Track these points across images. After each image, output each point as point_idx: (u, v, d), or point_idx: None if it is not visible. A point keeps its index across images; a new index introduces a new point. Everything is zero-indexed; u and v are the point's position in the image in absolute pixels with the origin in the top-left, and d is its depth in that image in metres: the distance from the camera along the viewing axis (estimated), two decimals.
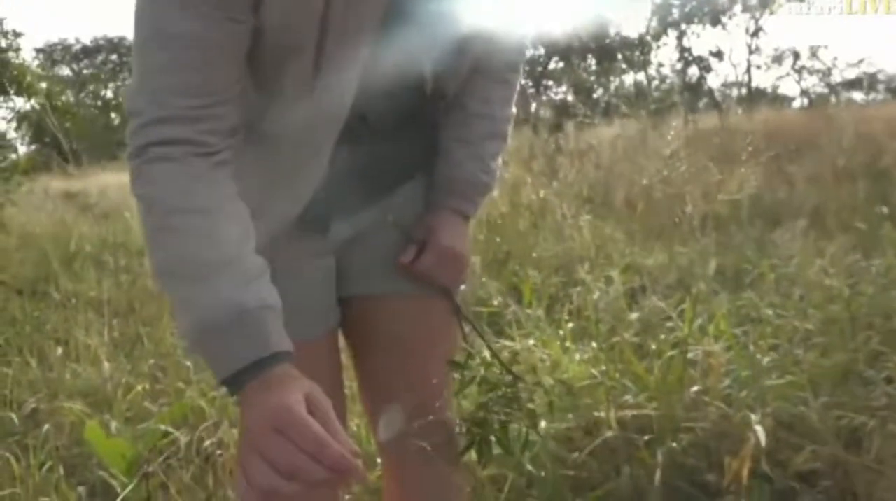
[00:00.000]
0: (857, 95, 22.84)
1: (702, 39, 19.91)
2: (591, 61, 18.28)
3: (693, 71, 19.44)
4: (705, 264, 3.07)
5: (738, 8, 18.94)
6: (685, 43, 18.49)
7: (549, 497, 1.81)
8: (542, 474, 1.85)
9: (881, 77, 25.37)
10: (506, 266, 3.91)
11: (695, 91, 19.82)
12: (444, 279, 1.15)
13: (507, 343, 2.45)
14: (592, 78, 18.27)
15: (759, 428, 1.68)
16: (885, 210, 4.37)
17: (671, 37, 18.55)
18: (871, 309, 2.75)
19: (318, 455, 0.73)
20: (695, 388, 2.00)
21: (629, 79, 20.47)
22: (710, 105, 18.75)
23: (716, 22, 18.38)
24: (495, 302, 3.07)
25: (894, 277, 3.10)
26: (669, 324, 2.40)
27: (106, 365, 3.14)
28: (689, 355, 2.13)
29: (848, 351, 2.37)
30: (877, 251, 3.62)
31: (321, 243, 1.12)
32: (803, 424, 1.92)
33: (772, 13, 19.04)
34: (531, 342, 2.44)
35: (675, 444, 1.85)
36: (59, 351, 3.44)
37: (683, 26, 18.43)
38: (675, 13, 18.28)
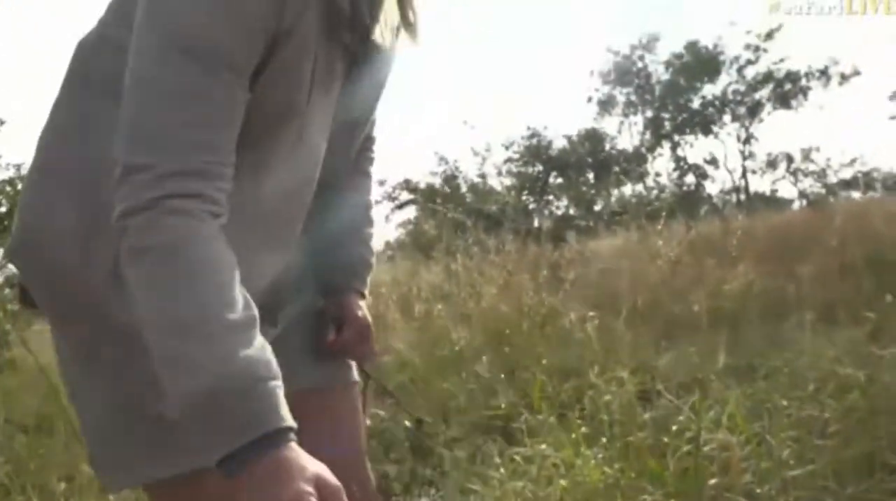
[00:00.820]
0: (855, 194, 23.17)
1: (695, 149, 20.54)
2: (590, 174, 18.78)
3: (690, 179, 19.91)
4: (715, 359, 3.03)
5: (727, 118, 19.68)
6: (679, 153, 19.07)
7: None
8: None
9: (876, 175, 25.84)
10: (514, 374, 3.87)
11: (693, 198, 20.19)
12: (361, 351, 1.26)
13: (519, 449, 2.39)
14: (592, 191, 18.71)
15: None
16: (889, 298, 4.34)
17: (665, 148, 19.19)
18: (888, 396, 2.69)
19: None
20: (713, 481, 1.93)
21: (628, 190, 20.95)
22: (710, 211, 19.04)
23: (707, 131, 19.03)
24: (503, 407, 3.01)
25: None
26: (681, 418, 2.35)
27: (111, 498, 3.05)
28: (706, 449, 2.07)
29: (869, 438, 2.30)
30: (888, 340, 3.57)
31: (269, 336, 1.06)
32: None
33: (761, 121, 19.73)
34: (543, 447, 2.38)
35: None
36: (63, 485, 3.35)
37: (676, 137, 19.08)
38: (668, 125, 18.99)
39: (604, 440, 2.43)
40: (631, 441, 2.44)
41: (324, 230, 1.24)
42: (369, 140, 1.31)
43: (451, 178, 18.30)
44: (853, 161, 21.72)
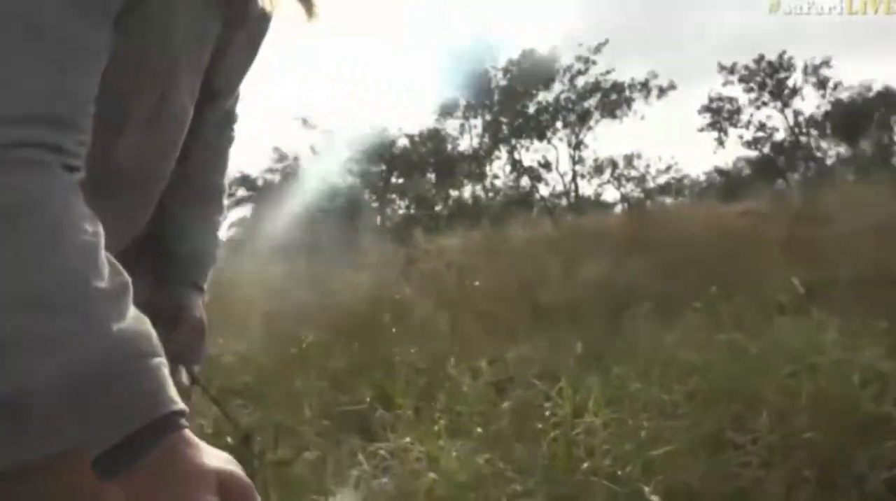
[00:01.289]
0: (668, 199, 25.24)
1: (531, 153, 21.50)
2: (431, 175, 19.02)
3: (525, 181, 20.78)
4: (570, 349, 3.09)
5: (559, 124, 20.75)
6: (516, 156, 19.84)
7: None
8: None
9: (686, 182, 28.31)
10: (369, 369, 3.75)
11: (527, 200, 21.08)
12: (193, 354, 1.11)
13: (381, 444, 2.28)
14: (433, 191, 18.98)
15: (655, 499, 1.62)
16: (714, 289, 4.70)
17: (503, 151, 19.89)
18: (726, 377, 2.87)
19: None
20: (585, 465, 1.93)
21: (467, 192, 21.47)
22: (542, 212, 19.96)
23: (542, 136, 19.95)
24: (360, 403, 2.89)
25: (737, 348, 3.28)
26: (548, 405, 2.35)
27: None
28: (572, 433, 2.07)
29: (714, 418, 2.43)
30: (716, 327, 3.85)
31: None
32: (690, 491, 1.89)
33: (590, 128, 21.01)
34: (407, 440, 2.28)
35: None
36: None
37: (513, 141, 19.84)
38: (505, 129, 19.68)
39: (468, 431, 2.38)
40: (494, 430, 2.41)
41: (167, 212, 1.06)
42: (231, 117, 1.16)
43: (290, 175, 17.79)
44: (668, 168, 23.71)
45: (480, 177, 19.68)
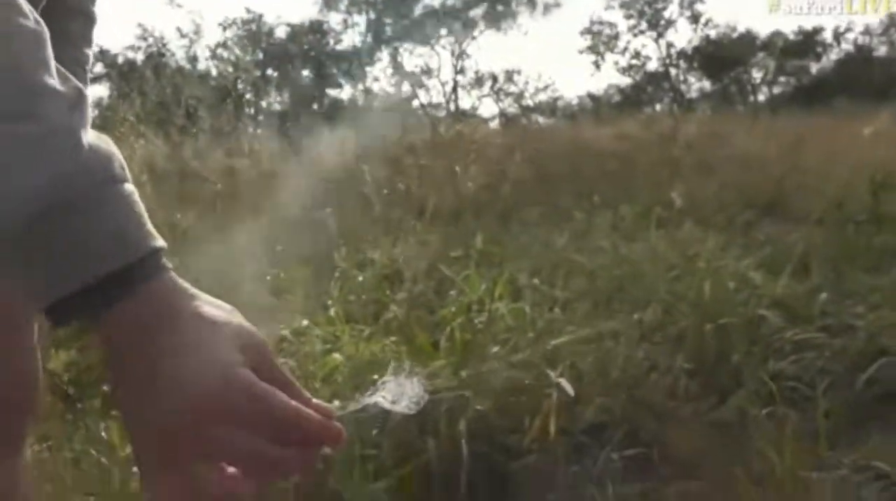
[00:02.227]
0: (541, 118, 25.68)
1: (413, 58, 21.02)
2: (308, 72, 18.20)
3: (406, 88, 20.40)
4: (466, 245, 3.10)
5: (444, 31, 20.35)
6: (398, 60, 19.35)
7: (346, 481, 1.61)
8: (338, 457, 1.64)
9: (560, 104, 28.85)
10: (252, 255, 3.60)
11: (407, 107, 20.75)
12: None
13: (280, 325, 2.20)
14: (312, 89, 18.21)
15: (563, 381, 1.65)
16: (597, 199, 4.86)
17: (385, 53, 19.32)
18: (609, 279, 2.99)
19: (291, 434, 0.50)
20: (495, 349, 1.95)
21: (346, 93, 20.78)
22: (420, 121, 19.75)
23: (425, 42, 19.52)
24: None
25: (620, 255, 3.43)
26: (453, 292, 2.34)
27: None
28: (476, 321, 2.08)
29: (600, 317, 2.53)
30: (599, 234, 4.00)
31: None
32: (590, 378, 1.96)
33: (474, 38, 20.76)
34: (305, 323, 2.21)
35: (479, 408, 1.76)
36: None
37: (396, 44, 19.30)
38: (389, 30, 19.05)
39: (364, 318, 2.34)
40: (391, 318, 2.39)
41: None
42: None
43: (154, 56, 16.42)
44: (546, 87, 24.02)
45: (361, 77, 19.10)
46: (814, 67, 29.44)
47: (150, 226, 0.51)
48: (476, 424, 1.76)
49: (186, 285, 0.51)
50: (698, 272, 2.87)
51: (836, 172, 6.59)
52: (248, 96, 14.52)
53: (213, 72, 15.69)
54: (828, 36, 28.69)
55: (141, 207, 0.51)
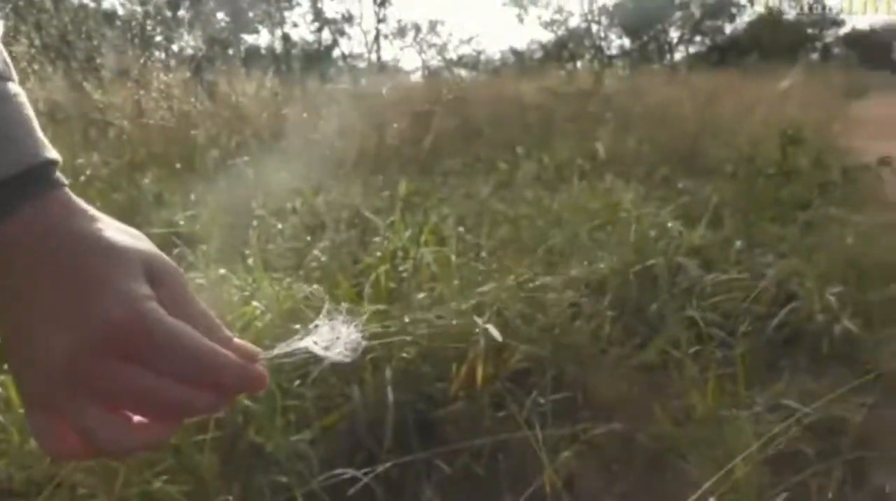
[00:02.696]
0: (463, 72, 25.44)
1: (335, 4, 20.26)
2: (223, 15, 17.37)
3: (326, 36, 19.77)
4: (389, 194, 3.02)
5: None
6: (319, 5, 18.67)
7: (270, 432, 1.55)
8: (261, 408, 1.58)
9: (482, 59, 28.66)
10: (167, 205, 3.42)
11: (328, 56, 20.15)
12: None
13: (194, 274, 2.09)
14: (225, 33, 17.40)
15: (490, 327, 1.63)
16: (521, 150, 4.86)
17: None
18: (533, 228, 2.99)
19: (201, 374, 0.43)
20: (420, 296, 1.91)
21: (264, 39, 19.95)
22: (341, 70, 19.24)
23: None
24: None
25: (540, 205, 3.44)
26: (377, 239, 2.28)
27: None
28: (400, 269, 2.03)
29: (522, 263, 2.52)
30: (522, 184, 4.00)
31: None
32: (515, 327, 1.95)
33: None
34: (222, 271, 2.11)
35: (405, 356, 1.72)
36: None
37: None
38: None
39: (284, 267, 2.26)
40: (314, 266, 2.31)
41: None
42: None
43: None
44: (470, 39, 23.75)
45: (280, 22, 18.35)
46: (728, 28, 30.26)
47: (40, 135, 0.43)
48: (402, 372, 1.73)
49: (85, 205, 0.44)
50: (620, 221, 2.90)
51: (747, 127, 6.82)
52: (158, 38, 13.71)
53: (120, 10, 14.73)
54: None
55: (29, 112, 0.43)
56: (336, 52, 20.67)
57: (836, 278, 2.67)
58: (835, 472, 1.55)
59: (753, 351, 2.08)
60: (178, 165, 4.26)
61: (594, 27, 27.15)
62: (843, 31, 32.90)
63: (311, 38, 20.60)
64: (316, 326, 0.54)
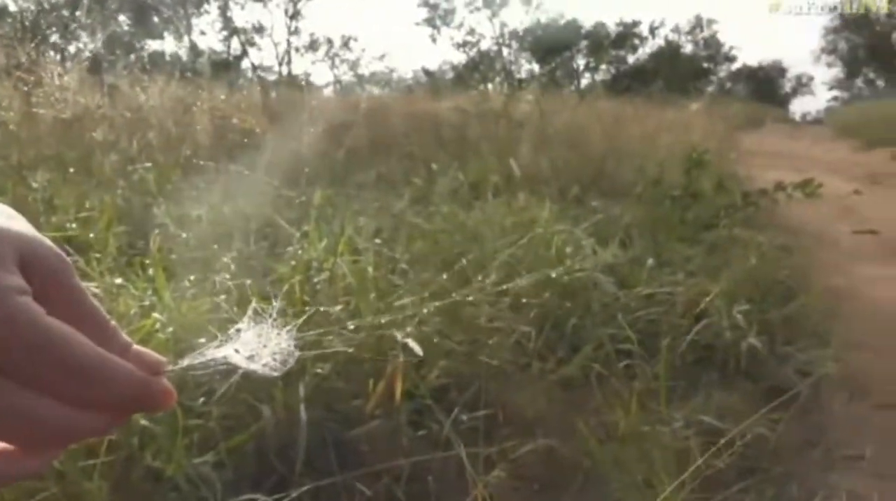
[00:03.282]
0: (375, 89, 25.40)
1: (245, 13, 19.77)
2: (126, 18, 16.66)
3: (236, 45, 19.27)
4: (302, 203, 2.91)
5: None
6: (228, 14, 18.18)
7: (170, 455, 1.42)
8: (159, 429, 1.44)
9: (395, 77, 28.71)
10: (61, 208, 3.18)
11: (236, 66, 19.65)
12: None
13: (91, 283, 1.92)
14: (128, 37, 16.67)
15: (410, 341, 1.56)
16: (435, 166, 4.83)
17: (213, 6, 18.08)
18: (444, 242, 2.95)
19: (89, 390, 0.35)
20: (337, 308, 1.81)
21: (169, 45, 19.24)
22: (250, 81, 18.75)
23: None
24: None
25: (456, 220, 3.40)
26: (290, 249, 2.17)
27: None
28: (316, 280, 1.93)
29: (448, 279, 2.47)
30: (437, 199, 3.96)
31: None
32: (435, 341, 1.89)
33: None
34: (118, 281, 1.95)
35: (319, 371, 1.62)
36: None
37: None
38: None
39: (187, 277, 2.11)
40: (218, 279, 2.18)
41: None
42: None
43: None
44: (383, 57, 23.75)
45: (187, 28, 17.75)
46: (631, 58, 31.60)
47: None
48: (316, 389, 1.63)
49: None
50: (536, 237, 2.90)
51: (652, 152, 7.07)
52: (53, 38, 13.01)
53: (12, 6, 13.88)
54: (644, 30, 30.86)
55: None
56: (245, 63, 20.20)
57: (743, 296, 2.75)
58: (756, 489, 1.56)
59: (670, 369, 2.10)
60: (71, 169, 3.99)
61: (505, 51, 27.75)
62: (736, 66, 35.01)
63: (219, 47, 20.04)
64: (238, 331, 0.45)
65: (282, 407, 1.56)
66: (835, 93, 34.00)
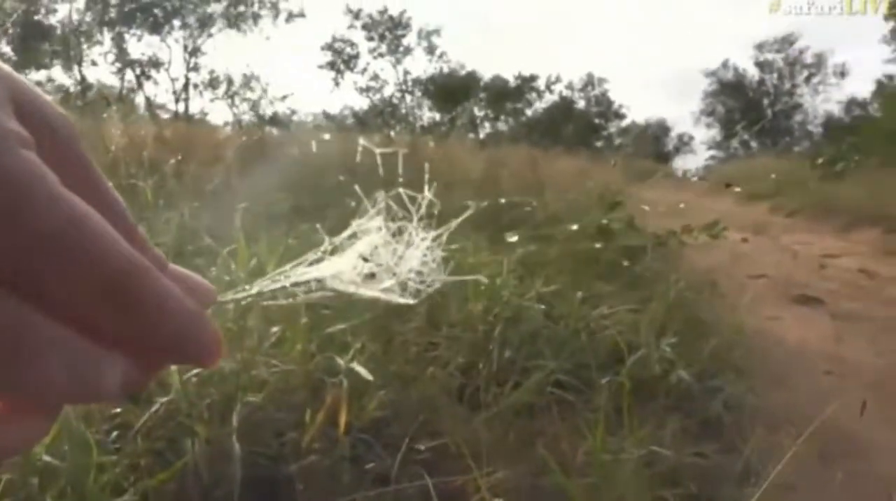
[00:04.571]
0: (275, 130, 24.97)
1: (141, 46, 19.01)
2: (7, 45, 15.73)
3: (130, 78, 18.53)
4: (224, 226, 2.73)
5: (178, 22, 18.89)
6: (123, 46, 17.50)
7: (80, 497, 1.22)
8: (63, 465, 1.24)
9: (295, 119, 28.43)
10: None
11: (130, 100, 18.86)
12: None
13: None
14: (12, 64, 15.64)
15: (356, 366, 1.44)
16: (353, 204, 4.71)
17: (107, 36, 17.36)
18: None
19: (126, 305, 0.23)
20: (273, 330, 1.65)
21: (57, 73, 18.25)
22: (142, 117, 18.00)
23: (156, 31, 17.93)
24: None
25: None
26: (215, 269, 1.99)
27: None
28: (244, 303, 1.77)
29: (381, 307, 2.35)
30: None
31: None
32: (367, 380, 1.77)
33: (210, 36, 19.59)
34: None
35: (252, 400, 1.46)
36: None
37: (121, 28, 17.43)
38: (113, 13, 17.15)
39: None
40: None
41: None
42: None
43: None
44: (284, 97, 23.48)
45: (78, 59, 16.89)
46: (529, 111, 32.80)
47: None
48: (248, 421, 1.47)
49: None
50: (464, 266, 2.84)
51: (559, 195, 7.25)
52: None
53: None
54: (541, 84, 32.16)
55: None
56: (140, 98, 19.44)
57: (668, 331, 2.77)
58: None
59: (609, 400, 2.06)
60: None
61: (408, 97, 28.15)
62: (625, 122, 37.00)
63: (112, 80, 19.22)
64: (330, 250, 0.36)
65: (213, 441, 1.39)
66: (713, 152, 36.45)
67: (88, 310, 0.22)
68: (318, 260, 0.33)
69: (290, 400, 1.55)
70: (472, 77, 31.39)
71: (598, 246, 4.21)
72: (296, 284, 0.31)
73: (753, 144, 34.43)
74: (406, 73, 28.44)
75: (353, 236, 0.35)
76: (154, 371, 0.28)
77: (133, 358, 0.25)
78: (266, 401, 1.49)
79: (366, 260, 0.32)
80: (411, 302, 0.32)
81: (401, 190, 0.41)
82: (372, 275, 0.32)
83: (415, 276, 0.34)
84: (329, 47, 26.81)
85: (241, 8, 19.23)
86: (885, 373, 3.47)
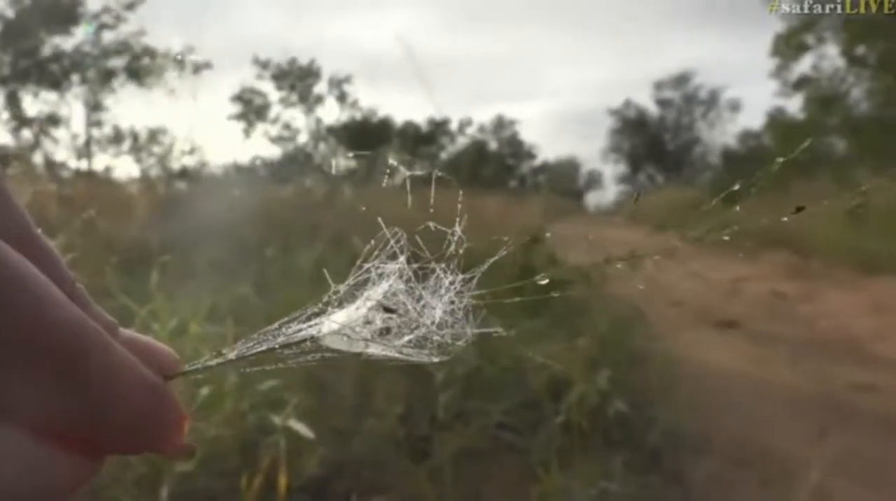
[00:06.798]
0: (182, 185, 24.35)
1: (39, 103, 18.25)
2: None
3: (28, 135, 17.72)
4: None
5: (77, 77, 18.27)
6: (18, 102, 16.76)
7: None
8: None
9: (205, 172, 27.75)
10: None
11: (27, 158, 17.99)
12: None
13: None
14: None
15: (294, 423, 1.37)
16: (270, 252, 4.60)
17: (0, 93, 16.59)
18: None
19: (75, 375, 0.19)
20: (202, 392, 1.55)
21: None
22: (40, 176, 17.20)
23: (55, 86, 17.27)
24: None
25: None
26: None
27: None
28: None
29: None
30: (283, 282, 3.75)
31: None
32: (311, 425, 1.69)
33: (113, 91, 19.01)
34: None
35: (182, 468, 1.36)
36: None
37: (16, 85, 16.71)
38: (8, 69, 16.45)
39: None
40: None
41: None
42: None
43: None
44: (193, 151, 22.93)
45: None
46: (443, 154, 33.27)
47: None
48: (181, 493, 1.36)
49: None
50: None
51: (479, 234, 7.33)
52: None
53: None
54: (454, 127, 32.74)
55: None
56: (38, 156, 18.58)
57: (602, 363, 2.79)
58: None
59: (551, 437, 2.04)
60: None
61: (321, 145, 28.07)
62: (537, 162, 38.02)
63: (6, 138, 18.32)
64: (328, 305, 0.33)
65: None
66: (622, 187, 37.85)
67: (22, 391, 0.18)
68: (319, 313, 0.30)
69: (224, 465, 1.45)
70: (385, 123, 31.68)
71: (520, 283, 4.23)
72: (286, 345, 0.28)
73: (659, 178, 35.97)
74: (318, 121, 28.38)
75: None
76: (107, 457, 0.23)
77: (84, 450, 0.21)
78: (197, 469, 1.38)
79: (389, 309, 0.28)
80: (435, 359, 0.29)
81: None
82: (387, 330, 0.28)
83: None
84: (238, 98, 26.52)
85: (146, 61, 18.82)
86: (804, 391, 3.61)
